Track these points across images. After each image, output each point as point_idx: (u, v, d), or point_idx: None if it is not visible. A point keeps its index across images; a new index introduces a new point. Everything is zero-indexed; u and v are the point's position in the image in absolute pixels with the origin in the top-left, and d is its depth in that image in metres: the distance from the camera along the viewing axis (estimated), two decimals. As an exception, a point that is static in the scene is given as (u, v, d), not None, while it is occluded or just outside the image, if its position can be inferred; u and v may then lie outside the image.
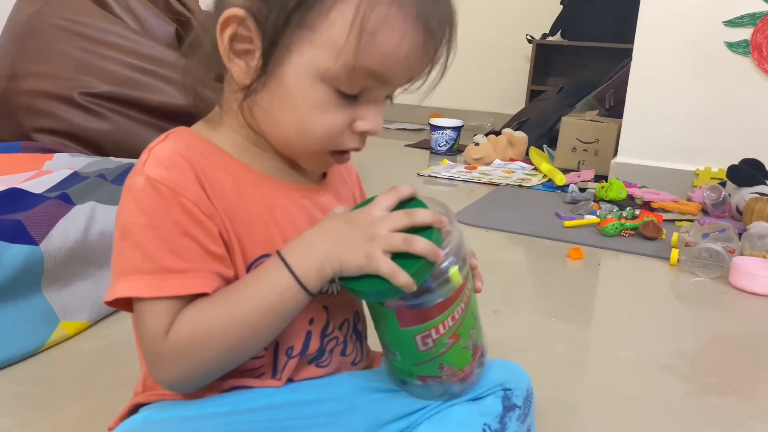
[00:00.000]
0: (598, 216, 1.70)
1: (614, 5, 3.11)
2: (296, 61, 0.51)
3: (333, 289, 0.59)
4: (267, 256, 0.55)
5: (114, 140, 1.42)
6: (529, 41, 3.37)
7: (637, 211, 1.66)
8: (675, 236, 1.51)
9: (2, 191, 1.01)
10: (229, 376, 0.56)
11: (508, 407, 0.63)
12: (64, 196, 1.01)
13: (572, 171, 2.31)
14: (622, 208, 1.76)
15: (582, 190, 2.04)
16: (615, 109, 2.46)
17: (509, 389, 0.64)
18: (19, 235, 0.89)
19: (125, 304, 0.52)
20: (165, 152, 0.52)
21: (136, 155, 1.45)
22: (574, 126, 2.35)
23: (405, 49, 0.51)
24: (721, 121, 1.99)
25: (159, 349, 0.50)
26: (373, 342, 0.63)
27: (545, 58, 3.46)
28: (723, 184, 1.86)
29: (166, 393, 0.58)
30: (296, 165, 0.60)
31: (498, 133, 2.67)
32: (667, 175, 2.05)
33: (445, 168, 2.43)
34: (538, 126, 2.73)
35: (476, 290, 0.60)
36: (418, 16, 0.51)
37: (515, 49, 3.58)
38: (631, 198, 1.88)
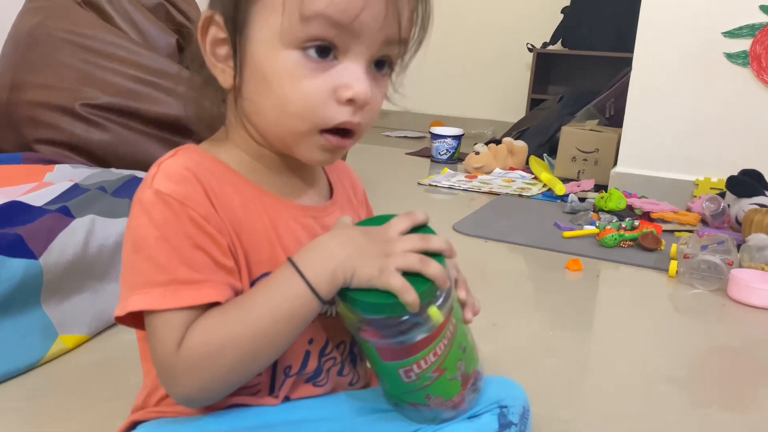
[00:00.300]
0: (597, 227, 1.70)
1: (615, 14, 3.12)
2: (259, 36, 0.52)
3: (332, 311, 0.59)
4: (269, 273, 0.55)
5: (115, 151, 1.43)
6: (530, 50, 3.38)
7: (637, 222, 1.67)
8: (674, 248, 1.52)
9: (3, 204, 1.02)
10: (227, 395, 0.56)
11: (504, 425, 0.63)
12: (64, 209, 1.02)
13: (572, 180, 2.31)
14: (621, 218, 1.76)
15: (582, 199, 2.04)
16: (615, 119, 2.47)
17: (505, 406, 0.64)
18: (19, 248, 0.89)
19: (132, 319, 0.52)
20: (174, 167, 0.52)
21: (138, 166, 1.45)
22: (573, 135, 2.36)
23: None
24: (721, 131, 2.00)
25: (172, 363, 0.50)
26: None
27: (546, 67, 3.47)
28: (722, 194, 1.86)
29: (165, 410, 0.58)
30: (300, 186, 0.60)
31: (498, 142, 2.68)
32: (667, 185, 2.06)
33: (446, 177, 2.44)
34: (539, 135, 2.74)
35: (465, 321, 0.59)
36: None
37: (516, 58, 3.59)
38: (630, 208, 1.88)
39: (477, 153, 2.56)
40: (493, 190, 2.24)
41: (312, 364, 0.58)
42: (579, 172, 2.36)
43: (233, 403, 0.56)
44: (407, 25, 0.54)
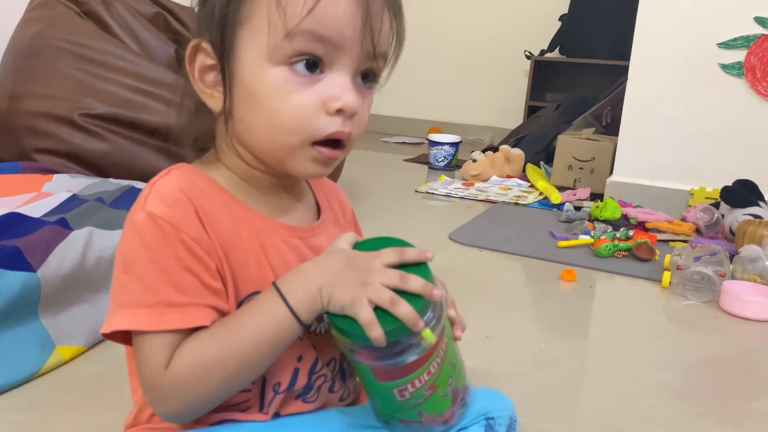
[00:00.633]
0: (592, 236, 1.71)
1: (612, 22, 3.14)
2: (246, 56, 0.54)
3: (321, 329, 0.61)
4: (257, 293, 0.56)
5: (113, 161, 1.44)
6: (528, 57, 3.40)
7: (631, 232, 1.68)
8: (667, 258, 1.53)
9: (1, 216, 1.03)
10: (218, 410, 0.57)
11: None
12: (62, 221, 1.03)
13: (568, 189, 2.33)
14: (616, 228, 1.77)
15: (577, 208, 2.06)
16: (612, 127, 2.48)
17: (492, 418, 0.65)
18: (17, 261, 0.90)
19: (121, 336, 0.53)
20: (166, 188, 0.54)
21: (136, 176, 1.46)
22: (570, 144, 2.37)
23: (331, 3, 0.51)
24: (716, 141, 2.01)
25: (159, 383, 0.51)
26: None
27: (543, 74, 3.49)
28: (717, 204, 1.88)
29: (157, 427, 0.59)
30: (289, 206, 0.62)
31: (495, 150, 2.69)
32: (662, 194, 2.07)
33: (443, 184, 2.45)
34: (536, 142, 2.75)
35: (455, 338, 0.61)
36: None
37: (514, 65, 3.61)
38: (625, 218, 1.90)
39: (474, 160, 2.57)
40: (489, 198, 2.26)
41: (301, 381, 0.59)
42: (575, 180, 2.37)
43: (225, 418, 0.58)
44: (385, 40, 0.56)
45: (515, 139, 2.90)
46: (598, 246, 1.62)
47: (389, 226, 1.84)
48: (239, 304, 0.56)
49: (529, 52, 3.41)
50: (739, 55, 1.94)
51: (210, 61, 0.55)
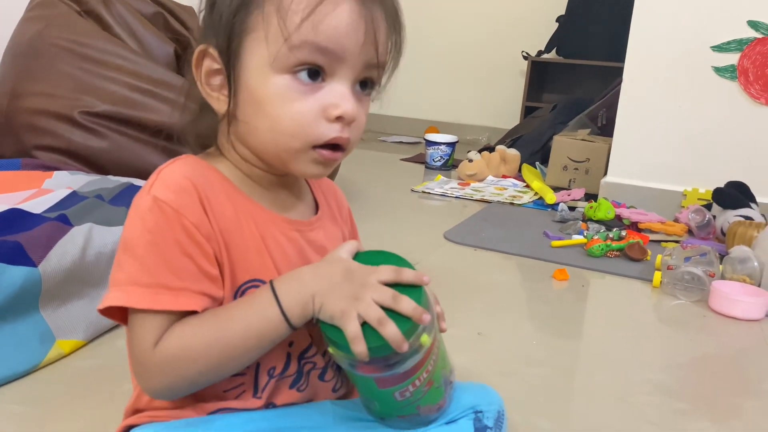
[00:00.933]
0: (585, 236, 1.73)
1: (609, 24, 3.16)
2: (251, 64, 0.56)
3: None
4: (257, 281, 0.58)
5: (112, 159, 1.46)
6: (525, 58, 3.42)
7: (624, 232, 1.70)
8: (659, 258, 1.55)
9: (3, 212, 1.05)
10: (213, 399, 0.59)
11: (480, 428, 0.67)
12: (62, 217, 1.05)
13: (563, 189, 2.35)
14: (609, 228, 1.79)
15: (571, 208, 2.08)
16: (607, 128, 2.50)
17: (480, 411, 0.67)
18: (18, 256, 0.92)
19: (118, 315, 0.56)
20: (172, 175, 0.56)
21: (135, 174, 1.48)
22: (565, 145, 2.39)
23: (333, 16, 0.54)
24: (709, 143, 2.04)
25: (146, 359, 0.54)
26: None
27: (540, 75, 3.51)
28: (709, 205, 1.90)
29: (156, 415, 0.61)
30: (288, 201, 0.64)
31: (492, 150, 2.71)
32: (656, 195, 2.09)
33: (439, 184, 2.47)
34: (532, 143, 2.78)
35: (441, 330, 0.63)
36: None
37: (511, 66, 3.63)
38: (619, 218, 1.92)
39: (470, 160, 2.59)
40: (485, 197, 2.28)
41: (293, 367, 0.62)
42: (570, 181, 2.39)
43: (221, 407, 0.60)
44: (384, 51, 0.58)
45: (511, 139, 2.92)
46: (590, 246, 1.64)
47: (385, 225, 1.86)
48: (237, 290, 0.58)
49: (526, 53, 3.43)
50: (732, 58, 1.97)
51: (216, 66, 0.58)
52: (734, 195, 1.80)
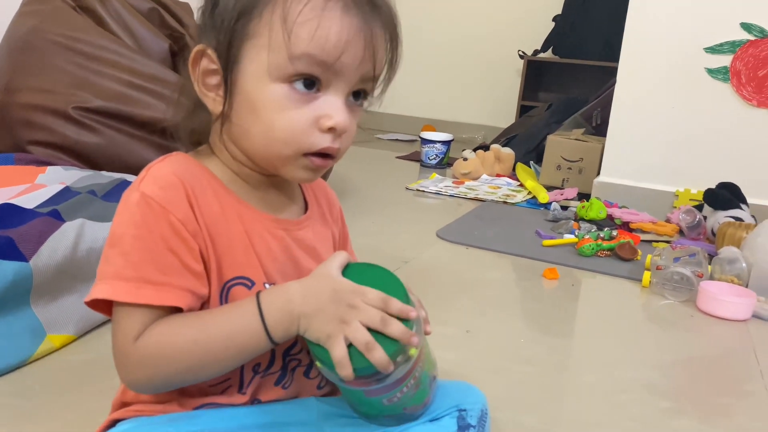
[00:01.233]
0: (576, 236, 1.75)
1: (605, 24, 3.17)
2: (249, 69, 0.57)
3: None
4: (243, 278, 0.59)
5: (106, 154, 1.46)
6: (521, 57, 3.43)
7: (615, 232, 1.71)
8: (648, 258, 1.56)
9: (-5, 207, 1.05)
10: (199, 394, 0.61)
11: (463, 426, 0.68)
12: (54, 212, 1.06)
13: (556, 188, 2.36)
14: (601, 228, 1.80)
15: (564, 208, 2.09)
16: (601, 128, 2.51)
17: (464, 409, 0.69)
18: (10, 251, 0.93)
19: (105, 307, 0.57)
20: (161, 172, 0.57)
21: (128, 169, 1.49)
22: (559, 144, 2.40)
23: (336, 31, 0.55)
24: (701, 144, 2.05)
25: (127, 352, 0.55)
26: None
27: (536, 74, 3.52)
28: (701, 206, 1.91)
29: (142, 409, 0.62)
30: (276, 201, 0.65)
31: (486, 149, 2.72)
32: (648, 195, 2.10)
33: (433, 182, 2.48)
34: (526, 142, 2.79)
35: (426, 333, 0.64)
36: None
37: (507, 64, 3.64)
38: (610, 218, 1.93)
39: (465, 159, 2.60)
40: (478, 196, 2.29)
41: (277, 364, 0.63)
42: (563, 180, 2.40)
43: (206, 403, 0.61)
44: (381, 66, 0.60)
45: (506, 138, 2.93)
46: (581, 245, 1.66)
47: (379, 223, 1.87)
48: (223, 287, 0.59)
49: (523, 52, 3.44)
50: (725, 60, 1.98)
51: (213, 66, 0.58)
52: (725, 196, 1.81)
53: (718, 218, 1.77)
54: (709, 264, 1.48)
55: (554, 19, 3.38)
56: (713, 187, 1.87)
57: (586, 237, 1.69)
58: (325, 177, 1.87)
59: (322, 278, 0.58)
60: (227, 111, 0.58)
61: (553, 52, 3.44)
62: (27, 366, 0.92)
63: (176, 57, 1.70)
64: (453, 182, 2.50)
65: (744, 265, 1.43)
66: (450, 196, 2.31)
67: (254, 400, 0.63)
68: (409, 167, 2.87)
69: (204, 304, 0.58)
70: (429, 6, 3.72)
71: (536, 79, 3.54)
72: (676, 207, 2.05)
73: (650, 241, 1.82)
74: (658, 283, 1.45)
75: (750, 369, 1.13)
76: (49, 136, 1.45)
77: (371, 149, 3.28)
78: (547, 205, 2.16)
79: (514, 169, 2.62)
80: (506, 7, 3.62)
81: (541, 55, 3.46)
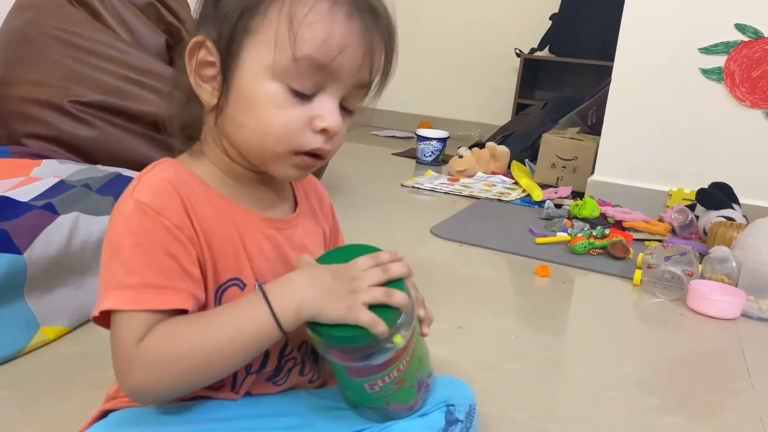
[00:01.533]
0: (569, 234, 1.76)
1: (602, 23, 3.18)
2: (249, 65, 0.57)
3: None
4: (235, 279, 0.60)
5: (102, 148, 1.47)
6: (518, 55, 3.43)
7: (607, 231, 1.72)
8: (640, 257, 1.57)
9: (-10, 199, 1.06)
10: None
11: (451, 421, 0.69)
12: (49, 205, 1.06)
13: (551, 187, 2.37)
14: (593, 226, 1.81)
15: (558, 206, 2.10)
16: (597, 127, 2.52)
17: (452, 405, 0.69)
18: (4, 244, 0.93)
19: (107, 320, 0.56)
20: (154, 179, 0.58)
21: (123, 163, 1.49)
22: (553, 143, 2.41)
23: (338, 36, 0.56)
24: (695, 144, 2.06)
25: (129, 356, 0.54)
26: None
27: (533, 73, 3.53)
28: (693, 205, 1.93)
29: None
30: (266, 198, 0.65)
31: (482, 146, 2.73)
32: (642, 194, 2.12)
33: (429, 179, 2.49)
34: (522, 140, 2.80)
35: (423, 335, 0.65)
36: (347, 5, 0.57)
37: (504, 63, 3.65)
38: (603, 217, 1.94)
39: (460, 156, 2.61)
40: (473, 193, 2.30)
41: (271, 364, 0.63)
42: (558, 178, 2.41)
43: (197, 395, 0.62)
44: (376, 74, 0.61)
45: (502, 136, 2.94)
46: (574, 243, 1.67)
47: (374, 219, 1.88)
48: (218, 289, 0.60)
49: (519, 50, 3.44)
50: (719, 61, 1.99)
51: (210, 58, 0.59)
52: (717, 196, 1.83)
53: (710, 218, 1.78)
54: (700, 263, 1.49)
55: (551, 17, 3.39)
56: (706, 187, 1.89)
57: (579, 235, 1.70)
58: (320, 173, 1.87)
59: (313, 265, 0.60)
60: (222, 103, 0.59)
61: (550, 51, 3.45)
62: (20, 358, 0.93)
63: (172, 51, 1.70)
64: (448, 179, 2.50)
65: (734, 264, 1.45)
66: (445, 193, 2.32)
67: (246, 394, 0.64)
68: (404, 164, 2.88)
69: (200, 309, 0.59)
70: (426, 3, 3.73)
71: (532, 77, 3.55)
72: (669, 206, 2.06)
73: (642, 240, 1.84)
74: (649, 281, 1.46)
75: (738, 367, 1.14)
76: (45, 129, 1.46)
77: (367, 145, 3.29)
78: (541, 203, 2.17)
79: (509, 167, 2.63)
80: (503, 6, 3.63)
81: (538, 53, 3.47)
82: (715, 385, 1.08)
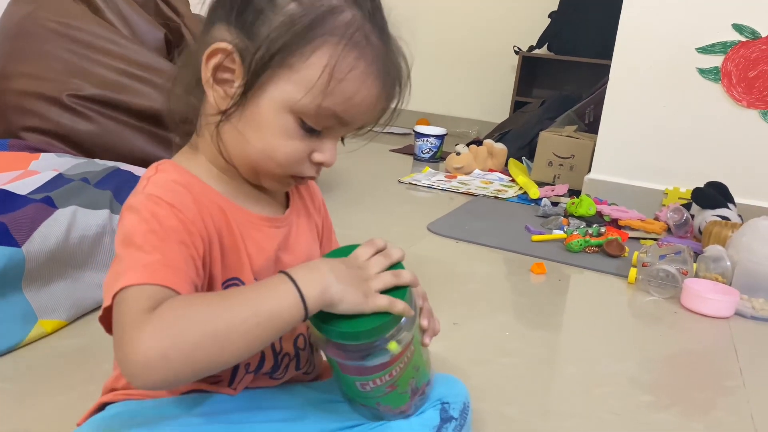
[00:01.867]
0: (565, 232, 1.77)
1: (600, 22, 3.17)
2: (273, 93, 0.58)
3: None
4: (235, 278, 0.61)
5: (100, 142, 1.47)
6: (516, 53, 3.44)
7: (603, 229, 1.73)
8: (635, 255, 1.58)
9: (-12, 192, 1.06)
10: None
11: (446, 419, 0.70)
12: (47, 199, 1.07)
13: (547, 184, 2.38)
14: (589, 224, 1.82)
15: (554, 204, 2.11)
16: (594, 125, 2.53)
17: (447, 402, 0.70)
18: (2, 237, 0.94)
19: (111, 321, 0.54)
20: (163, 180, 0.58)
21: (121, 157, 1.49)
22: (551, 141, 2.42)
23: (364, 97, 0.59)
24: (691, 143, 2.07)
25: (140, 323, 0.49)
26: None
27: (531, 70, 3.53)
28: (689, 204, 1.94)
29: (132, 393, 0.64)
30: (261, 196, 0.66)
31: (479, 144, 2.74)
32: (638, 193, 2.13)
33: (426, 176, 2.50)
34: (519, 138, 2.80)
35: (423, 345, 0.65)
36: (378, 72, 0.59)
37: (502, 60, 3.65)
38: (600, 215, 1.95)
39: (458, 153, 2.61)
40: (470, 191, 2.30)
41: (268, 363, 0.64)
42: (555, 176, 2.42)
43: (194, 389, 0.62)
44: (379, 121, 0.65)
45: (500, 133, 2.95)
46: (569, 241, 1.68)
47: (371, 215, 1.89)
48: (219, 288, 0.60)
49: (518, 48, 3.45)
50: (716, 61, 2.00)
51: (232, 66, 0.58)
52: (713, 195, 1.84)
53: (706, 217, 1.79)
54: (695, 262, 1.50)
55: (550, 15, 3.39)
56: (702, 186, 1.90)
57: (575, 233, 1.71)
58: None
59: (324, 258, 0.61)
60: (231, 113, 0.59)
61: (549, 49, 3.45)
62: (18, 350, 0.94)
63: (171, 46, 1.70)
64: (445, 176, 2.51)
65: (728, 263, 1.46)
66: (442, 190, 2.32)
67: (243, 389, 0.65)
68: (402, 160, 2.88)
69: None
70: (425, 1, 3.72)
71: (531, 75, 3.55)
72: (664, 205, 2.07)
73: (638, 239, 1.85)
74: (643, 279, 1.47)
75: (730, 365, 1.15)
76: (43, 122, 1.46)
77: (364, 141, 3.28)
78: (537, 201, 2.18)
79: (506, 164, 2.64)
80: (502, 3, 3.63)
81: (536, 51, 3.47)
82: (707, 383, 1.09)
